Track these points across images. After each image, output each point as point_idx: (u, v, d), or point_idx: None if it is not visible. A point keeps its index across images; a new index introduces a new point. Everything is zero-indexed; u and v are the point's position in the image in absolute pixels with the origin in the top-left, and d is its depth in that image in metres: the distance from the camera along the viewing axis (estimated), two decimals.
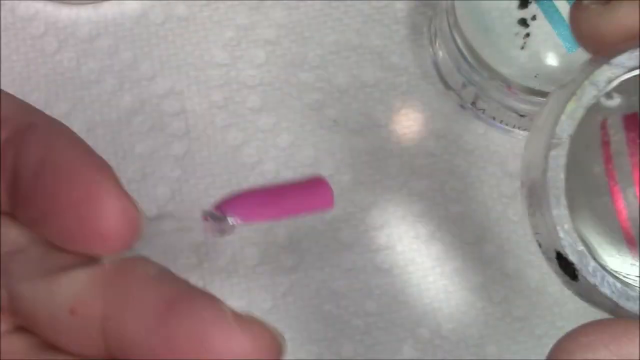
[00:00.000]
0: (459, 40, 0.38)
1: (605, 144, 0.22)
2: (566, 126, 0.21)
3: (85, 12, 0.42)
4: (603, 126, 0.22)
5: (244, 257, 0.39)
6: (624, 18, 0.21)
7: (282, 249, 0.39)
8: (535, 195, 0.21)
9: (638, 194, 0.22)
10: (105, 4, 0.42)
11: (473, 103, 0.40)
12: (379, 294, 0.39)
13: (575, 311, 0.38)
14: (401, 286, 0.39)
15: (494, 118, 0.40)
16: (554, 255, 0.21)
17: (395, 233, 0.39)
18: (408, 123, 0.41)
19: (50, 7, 0.42)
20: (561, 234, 0.20)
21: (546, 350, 0.20)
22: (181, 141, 0.40)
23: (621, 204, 0.22)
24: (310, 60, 0.41)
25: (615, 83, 0.21)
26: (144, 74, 0.41)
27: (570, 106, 0.21)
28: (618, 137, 0.22)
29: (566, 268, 0.20)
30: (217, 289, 0.38)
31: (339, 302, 0.39)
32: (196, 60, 0.41)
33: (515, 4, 0.38)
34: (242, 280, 0.39)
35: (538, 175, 0.21)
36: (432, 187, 0.40)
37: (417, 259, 0.39)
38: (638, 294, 0.20)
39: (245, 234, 0.39)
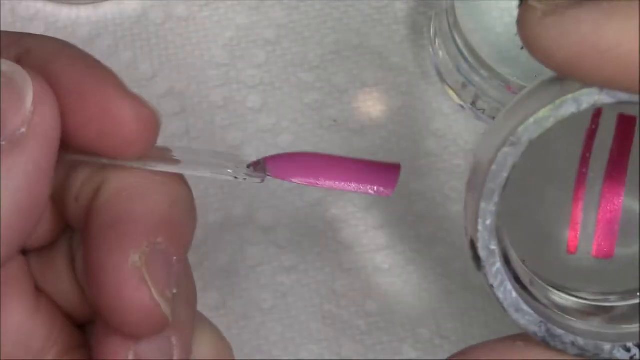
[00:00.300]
0: (459, 40, 0.38)
1: (592, 131, 0.21)
2: (530, 130, 0.19)
3: (85, 12, 0.42)
4: (597, 114, 0.21)
5: (244, 257, 0.39)
6: (590, 30, 0.16)
7: (282, 249, 0.39)
8: (475, 176, 0.21)
9: (602, 190, 0.22)
10: (105, 4, 0.42)
11: (473, 103, 0.40)
12: (379, 294, 0.39)
13: None
14: (401, 286, 0.39)
15: (494, 118, 0.40)
16: (468, 240, 0.20)
17: (395, 233, 0.39)
18: (408, 123, 0.41)
19: (50, 7, 0.42)
20: (480, 227, 0.20)
21: None
22: (181, 141, 0.40)
23: (581, 193, 0.21)
24: (310, 60, 0.41)
25: (599, 106, 0.19)
26: (144, 74, 0.41)
27: (543, 112, 0.19)
28: (607, 130, 0.21)
29: (474, 257, 0.20)
30: (217, 289, 0.38)
31: (339, 302, 0.38)
32: (196, 60, 0.41)
33: (515, 4, 0.38)
34: (242, 280, 0.39)
35: (484, 162, 0.20)
36: (432, 187, 0.40)
37: (417, 259, 0.39)
38: (530, 309, 0.20)
39: (246, 234, 0.39)
